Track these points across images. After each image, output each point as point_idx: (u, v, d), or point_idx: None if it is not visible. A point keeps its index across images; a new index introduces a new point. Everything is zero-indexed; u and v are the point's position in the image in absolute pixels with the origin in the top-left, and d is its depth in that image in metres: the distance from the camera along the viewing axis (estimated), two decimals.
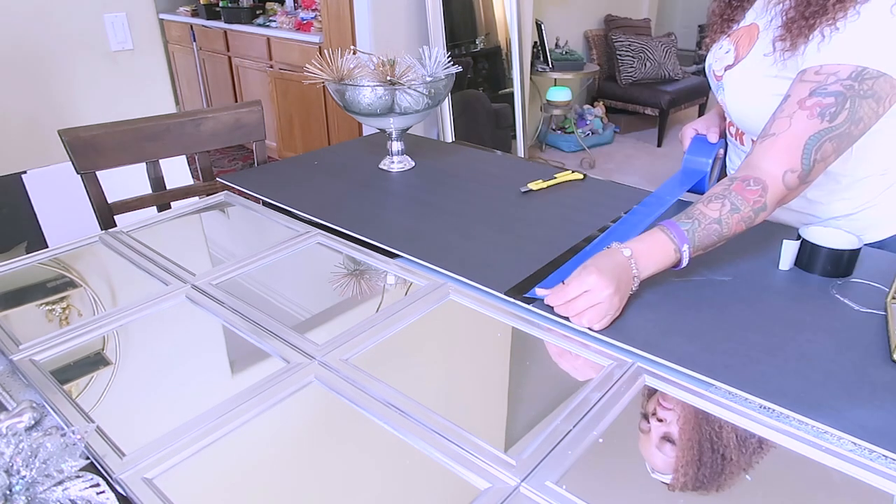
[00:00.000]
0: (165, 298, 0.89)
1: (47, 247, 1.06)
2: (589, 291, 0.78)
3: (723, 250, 0.89)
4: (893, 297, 0.83)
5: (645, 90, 4.42)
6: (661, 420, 0.67)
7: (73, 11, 1.87)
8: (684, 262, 0.83)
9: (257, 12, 4.11)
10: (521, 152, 3.72)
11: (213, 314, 0.86)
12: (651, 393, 0.71)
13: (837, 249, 0.89)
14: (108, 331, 0.83)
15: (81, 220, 1.56)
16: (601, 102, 4.64)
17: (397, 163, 1.35)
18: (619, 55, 4.45)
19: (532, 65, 3.97)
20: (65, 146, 1.27)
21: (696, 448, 0.63)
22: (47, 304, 0.91)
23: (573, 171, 1.31)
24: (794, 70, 0.86)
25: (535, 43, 3.95)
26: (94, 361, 0.78)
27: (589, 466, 0.60)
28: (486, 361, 0.79)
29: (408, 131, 1.36)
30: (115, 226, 1.24)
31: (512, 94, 3.65)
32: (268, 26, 3.89)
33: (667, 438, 0.64)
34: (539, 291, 0.85)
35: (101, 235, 1.09)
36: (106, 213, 1.31)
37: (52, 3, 1.83)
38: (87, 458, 0.61)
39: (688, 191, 1.13)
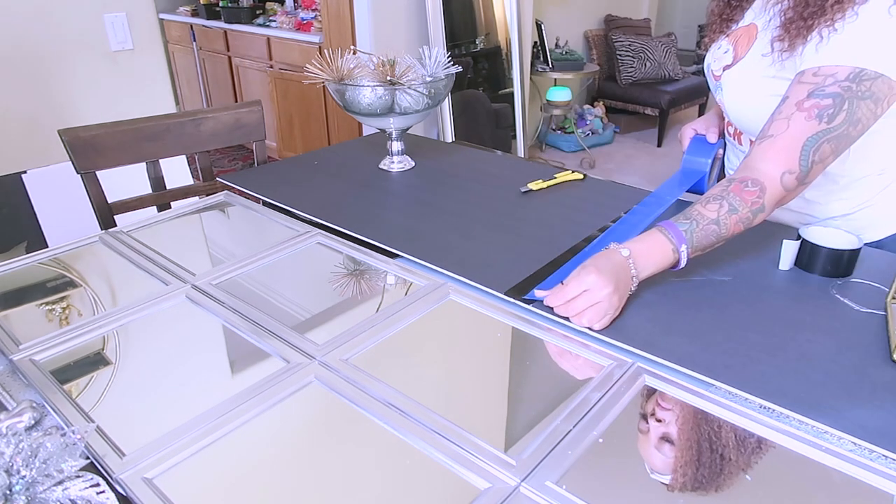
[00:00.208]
0: (165, 298, 0.89)
1: (47, 247, 1.06)
2: (588, 291, 0.78)
3: (723, 250, 0.89)
4: (893, 297, 0.83)
5: (645, 90, 4.42)
6: (660, 420, 0.67)
7: (73, 11, 1.87)
8: (683, 263, 0.83)
9: (257, 12, 4.11)
10: (521, 152, 3.72)
11: (213, 314, 0.86)
12: (650, 393, 0.71)
13: (837, 249, 0.89)
14: (108, 331, 0.83)
15: (81, 220, 1.56)
16: (601, 102, 4.64)
17: (397, 163, 1.35)
18: (619, 55, 4.45)
19: (532, 65, 3.97)
20: (65, 146, 1.27)
21: (695, 448, 0.63)
22: (47, 304, 0.91)
23: (573, 171, 1.31)
24: (793, 71, 0.86)
25: (535, 43, 3.95)
26: (94, 361, 0.78)
27: (589, 466, 0.60)
28: (486, 361, 0.79)
29: (408, 131, 1.36)
30: (115, 226, 1.24)
31: (512, 94, 3.65)
32: (268, 26, 3.89)
33: (666, 439, 0.64)
34: (538, 293, 0.85)
35: (101, 235, 1.09)
36: (106, 213, 1.31)
37: (52, 3, 1.83)
38: (87, 457, 0.62)
39: (687, 191, 1.13)
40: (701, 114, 4.62)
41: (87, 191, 1.30)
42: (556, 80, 4.06)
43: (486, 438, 0.63)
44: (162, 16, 4.44)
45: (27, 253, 1.04)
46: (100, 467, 0.61)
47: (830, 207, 1.00)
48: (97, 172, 1.30)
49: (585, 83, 4.61)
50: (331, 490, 0.59)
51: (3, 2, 1.74)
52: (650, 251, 0.81)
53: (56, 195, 1.85)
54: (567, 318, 0.80)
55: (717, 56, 1.02)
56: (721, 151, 1.15)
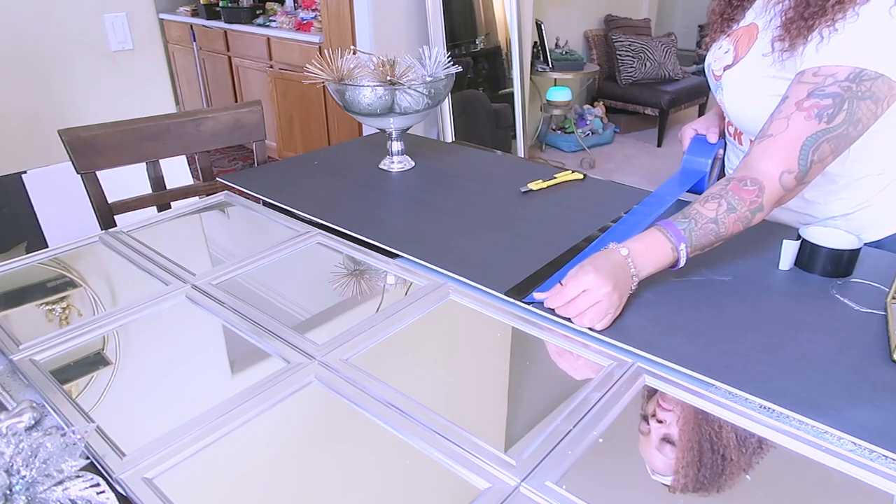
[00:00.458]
0: (165, 298, 0.89)
1: (47, 247, 1.06)
2: (587, 290, 0.78)
3: (722, 250, 0.89)
4: (893, 297, 0.83)
5: (645, 90, 4.42)
6: (661, 421, 0.67)
7: (73, 11, 1.87)
8: (682, 262, 0.83)
9: (257, 12, 4.11)
10: (521, 152, 3.72)
11: (213, 314, 0.86)
12: (651, 394, 0.71)
13: (837, 249, 0.89)
14: (108, 331, 0.83)
15: (81, 220, 1.56)
16: (601, 102, 4.64)
17: (397, 163, 1.35)
18: (619, 55, 4.45)
19: (532, 65, 3.97)
20: (65, 146, 1.27)
21: (696, 449, 0.63)
22: (47, 304, 0.91)
23: (573, 171, 1.31)
24: (793, 71, 0.86)
25: (535, 43, 3.95)
26: (94, 361, 0.78)
27: (589, 466, 0.60)
28: (486, 361, 0.79)
29: (408, 131, 1.36)
30: (115, 226, 1.24)
31: (512, 94, 3.65)
32: (268, 26, 3.89)
33: (667, 440, 0.64)
34: (537, 296, 0.85)
35: (101, 235, 1.09)
36: (106, 213, 1.31)
37: (52, 3, 1.83)
38: (87, 457, 0.62)
39: (687, 191, 1.13)
40: (701, 114, 4.62)
41: (87, 191, 1.30)
42: (556, 80, 4.06)
43: (486, 438, 0.63)
44: (162, 16, 4.44)
45: (27, 253, 1.04)
46: (100, 467, 0.61)
47: (830, 207, 1.00)
48: (97, 172, 1.30)
49: (585, 83, 4.61)
50: (331, 490, 0.59)
51: (3, 2, 1.74)
52: (649, 250, 0.81)
53: (56, 195, 1.85)
54: (568, 319, 0.80)
55: (717, 56, 1.02)
56: (721, 151, 1.15)
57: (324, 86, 1.27)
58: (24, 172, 1.81)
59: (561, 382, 0.74)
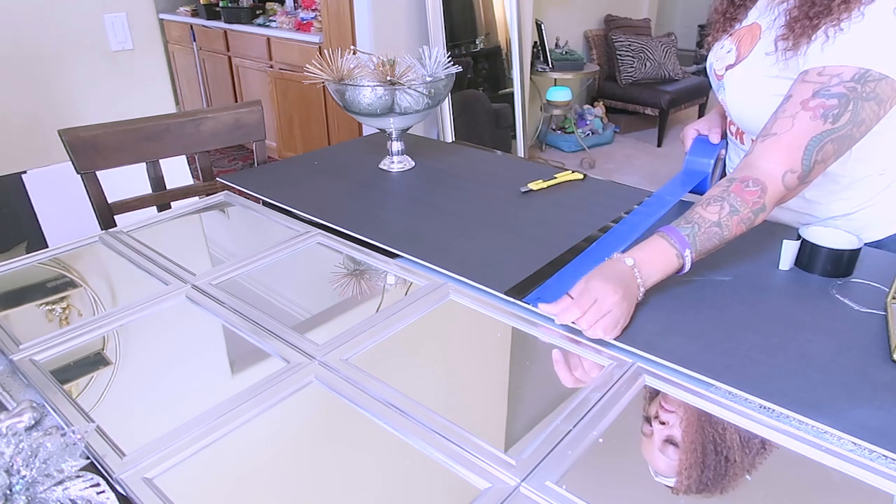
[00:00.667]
0: (165, 298, 0.89)
1: (47, 247, 1.06)
2: (598, 301, 0.77)
3: (723, 251, 0.89)
4: (893, 297, 0.83)
5: (645, 90, 4.42)
6: (663, 423, 0.67)
7: (73, 11, 1.87)
8: (687, 268, 0.82)
9: (257, 12, 4.11)
10: (521, 152, 3.72)
11: (213, 314, 0.86)
12: (652, 395, 0.71)
13: (837, 249, 0.89)
14: (108, 331, 0.83)
15: (81, 220, 1.56)
16: (601, 102, 4.64)
17: (397, 163, 1.35)
18: (619, 55, 4.45)
19: (532, 65, 3.97)
20: (65, 146, 1.27)
21: (699, 451, 0.63)
22: (47, 304, 0.91)
23: (573, 171, 1.31)
24: (796, 70, 0.86)
25: (535, 43, 3.95)
26: (94, 361, 0.78)
27: (589, 466, 0.60)
28: (486, 361, 0.79)
29: (408, 131, 1.36)
30: (115, 226, 1.24)
31: (512, 94, 3.65)
32: (268, 26, 3.89)
33: (670, 441, 0.64)
34: (542, 307, 0.83)
35: (101, 235, 1.09)
36: (106, 213, 1.31)
37: (52, 3, 1.83)
38: (87, 457, 0.61)
39: (689, 191, 1.13)
40: (701, 114, 4.63)
41: (87, 191, 1.30)
42: (556, 80, 4.06)
43: (486, 438, 0.63)
44: (162, 16, 4.44)
45: (27, 253, 1.04)
46: (100, 467, 0.61)
47: (831, 207, 1.00)
48: (97, 172, 1.30)
49: (585, 83, 4.61)
50: (331, 490, 0.59)
51: (3, 2, 1.74)
52: (654, 258, 0.81)
53: (56, 195, 1.85)
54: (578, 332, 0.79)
55: (719, 55, 1.02)
56: (723, 152, 1.15)
57: (324, 86, 1.27)
58: (24, 172, 1.81)
59: (561, 382, 0.74)
